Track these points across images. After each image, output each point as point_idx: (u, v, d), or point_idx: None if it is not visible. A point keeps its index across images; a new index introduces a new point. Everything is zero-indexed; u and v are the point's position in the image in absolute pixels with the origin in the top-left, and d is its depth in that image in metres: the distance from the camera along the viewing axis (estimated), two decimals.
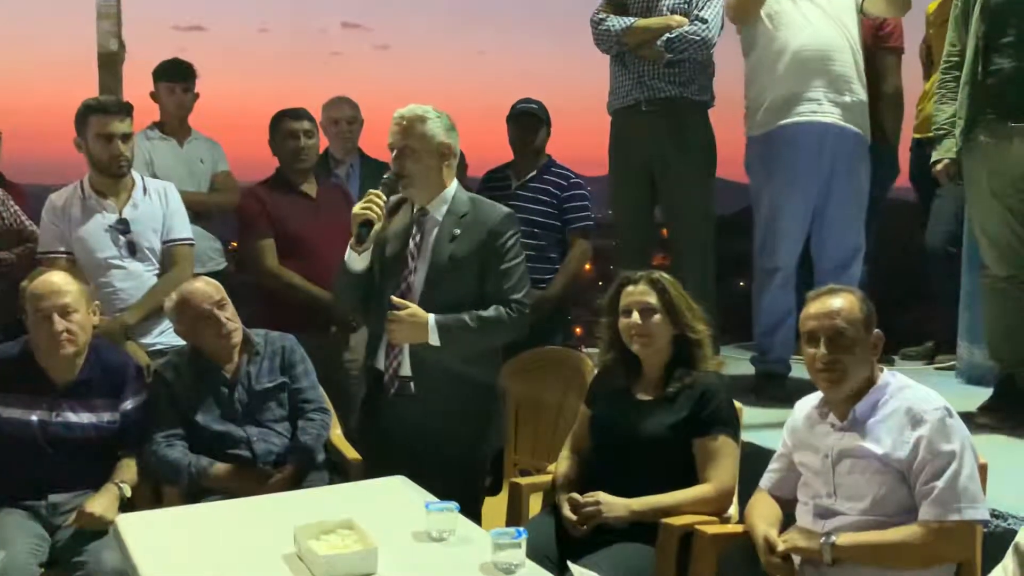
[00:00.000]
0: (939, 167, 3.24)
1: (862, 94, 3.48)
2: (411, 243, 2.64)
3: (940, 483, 1.93)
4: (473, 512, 2.56)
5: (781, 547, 2.05)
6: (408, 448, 2.59)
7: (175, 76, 3.89)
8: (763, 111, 3.49)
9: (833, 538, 1.98)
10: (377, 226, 2.60)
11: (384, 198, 2.59)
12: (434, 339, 2.54)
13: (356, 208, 2.59)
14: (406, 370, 2.61)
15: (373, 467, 2.65)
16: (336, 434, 2.97)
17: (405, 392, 2.61)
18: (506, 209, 2.71)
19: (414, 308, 2.54)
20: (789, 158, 3.45)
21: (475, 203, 2.69)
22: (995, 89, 2.99)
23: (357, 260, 2.62)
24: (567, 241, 3.87)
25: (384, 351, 2.64)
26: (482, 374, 2.68)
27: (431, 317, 2.54)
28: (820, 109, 3.40)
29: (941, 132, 3.22)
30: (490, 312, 2.58)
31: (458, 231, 2.61)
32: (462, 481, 2.59)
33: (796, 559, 2.07)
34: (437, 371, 2.58)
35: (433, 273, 2.60)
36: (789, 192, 3.46)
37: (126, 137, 3.11)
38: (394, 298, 2.56)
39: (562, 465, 2.56)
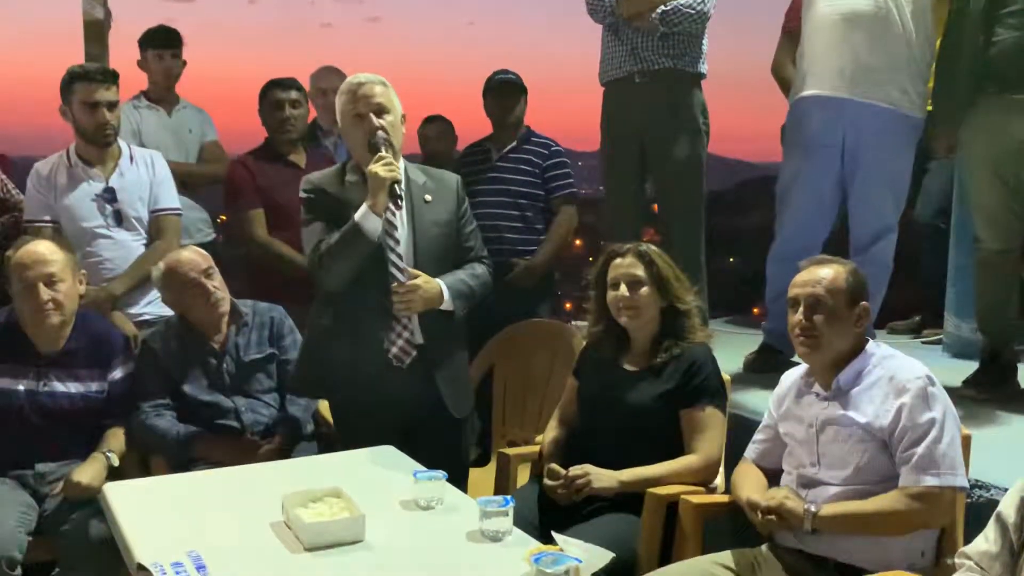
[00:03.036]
0: (939, 138, 3.21)
1: (901, 68, 3.20)
2: (386, 214, 2.58)
3: (919, 449, 1.94)
4: (464, 473, 2.69)
5: (764, 503, 2.07)
6: (403, 418, 2.60)
7: (162, 43, 3.84)
8: (796, 81, 3.43)
9: (814, 508, 2.00)
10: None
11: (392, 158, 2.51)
12: (448, 304, 2.56)
13: (381, 171, 2.44)
14: (419, 338, 2.59)
15: (366, 440, 2.58)
16: (324, 405, 2.97)
17: (417, 361, 2.59)
18: (454, 174, 2.77)
19: (424, 275, 2.53)
20: (803, 132, 3.36)
21: (425, 170, 2.72)
22: (996, 62, 2.96)
23: (378, 225, 2.48)
24: (552, 209, 3.86)
25: (388, 324, 2.58)
26: (464, 332, 2.74)
27: (442, 282, 2.55)
28: (836, 82, 3.23)
29: (941, 103, 3.16)
30: (478, 270, 2.67)
31: (428, 197, 2.62)
32: (456, 443, 2.69)
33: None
34: (444, 336, 2.62)
35: (420, 241, 2.59)
36: (799, 167, 3.38)
37: (112, 105, 3.08)
38: (408, 268, 2.53)
39: (549, 436, 2.57)
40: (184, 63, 3.92)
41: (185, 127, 3.88)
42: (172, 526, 2.01)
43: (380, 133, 2.52)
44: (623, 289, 2.43)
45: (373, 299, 2.55)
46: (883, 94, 3.21)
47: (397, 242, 2.57)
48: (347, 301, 2.60)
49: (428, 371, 2.60)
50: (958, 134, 3.12)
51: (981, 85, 3.00)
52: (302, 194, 2.61)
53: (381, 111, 2.54)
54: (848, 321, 2.09)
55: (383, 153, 2.49)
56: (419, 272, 2.54)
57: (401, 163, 2.62)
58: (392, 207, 2.50)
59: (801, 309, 2.10)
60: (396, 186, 2.48)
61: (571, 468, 2.33)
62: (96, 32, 4.07)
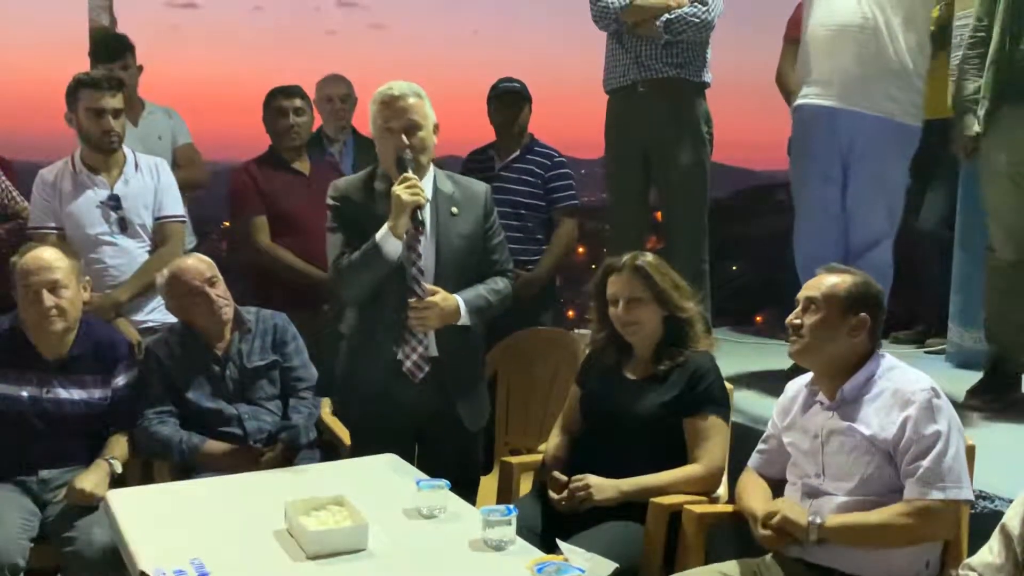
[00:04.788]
0: (959, 143, 3.18)
1: (890, 78, 3.20)
2: (411, 226, 2.59)
3: (925, 463, 1.94)
4: (475, 483, 2.71)
5: (772, 521, 2.06)
6: (416, 430, 2.62)
7: (107, 56, 3.69)
8: (795, 89, 3.45)
9: (819, 519, 2.00)
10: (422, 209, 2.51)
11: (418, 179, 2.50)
12: (465, 320, 2.56)
13: (404, 195, 2.43)
14: (434, 351, 2.60)
15: (379, 450, 2.58)
16: (327, 412, 2.97)
17: (432, 374, 2.60)
18: (484, 183, 2.75)
19: (443, 292, 2.53)
20: (802, 139, 3.39)
21: (455, 180, 2.70)
22: (1020, 69, 2.92)
23: (398, 247, 2.49)
24: (553, 221, 3.86)
25: (403, 338, 2.59)
26: (482, 345, 2.76)
27: (459, 299, 2.55)
28: (827, 92, 3.25)
29: (963, 108, 3.13)
30: (499, 285, 2.66)
31: (455, 209, 2.61)
32: (469, 455, 2.71)
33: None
34: (460, 350, 2.62)
35: (444, 253, 2.59)
36: (804, 174, 3.39)
37: (117, 112, 3.09)
38: (426, 285, 2.53)
39: (552, 443, 2.57)
40: (140, 68, 3.78)
41: (153, 134, 3.75)
42: (175, 533, 2.01)
43: (407, 153, 2.51)
44: (622, 307, 2.43)
45: (390, 312, 2.57)
46: (873, 103, 3.22)
47: (419, 256, 2.57)
48: (364, 312, 2.63)
49: (443, 384, 2.61)
50: (979, 141, 3.10)
51: (1004, 93, 2.97)
52: (329, 201, 2.63)
53: (413, 127, 2.52)
54: (839, 329, 2.09)
55: (409, 175, 2.48)
56: (437, 288, 2.53)
57: (431, 172, 2.62)
58: (414, 231, 2.49)
59: (797, 309, 2.13)
60: (419, 212, 2.47)
61: (572, 479, 2.32)
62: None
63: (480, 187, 2.71)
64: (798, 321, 2.12)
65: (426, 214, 2.57)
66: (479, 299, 2.59)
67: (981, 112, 3.02)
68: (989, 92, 2.99)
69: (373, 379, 2.61)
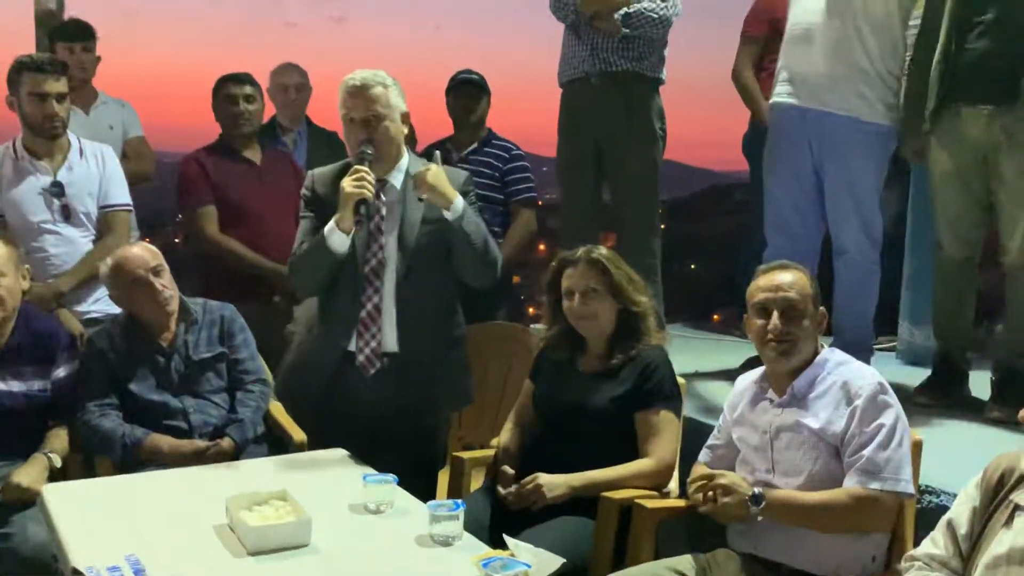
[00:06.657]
0: (908, 146, 3.21)
1: (859, 78, 3.19)
2: (375, 215, 2.57)
3: (866, 453, 1.96)
4: (432, 478, 2.69)
5: (715, 481, 2.07)
6: (372, 425, 2.57)
7: (72, 36, 3.67)
8: (773, 87, 3.46)
9: (760, 490, 2.01)
10: (371, 203, 2.49)
11: (372, 174, 2.48)
12: (458, 207, 2.50)
13: (348, 187, 2.44)
14: (390, 347, 2.57)
15: (332, 445, 2.57)
16: (276, 406, 2.92)
17: (385, 369, 2.57)
18: (464, 172, 2.73)
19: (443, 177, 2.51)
20: (773, 136, 3.42)
21: (429, 167, 2.66)
22: (967, 70, 2.95)
23: (344, 241, 2.49)
24: (511, 214, 3.82)
25: (357, 330, 2.57)
26: (452, 342, 2.70)
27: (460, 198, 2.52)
28: (797, 90, 3.28)
29: (911, 108, 3.15)
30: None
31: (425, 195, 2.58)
32: (428, 454, 2.69)
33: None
34: (422, 343, 2.58)
35: (406, 240, 2.57)
36: (773, 170, 3.42)
37: (61, 97, 3.00)
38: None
39: (504, 438, 2.55)
40: (98, 58, 3.76)
41: (105, 124, 3.70)
42: (111, 529, 1.96)
43: (367, 147, 2.51)
44: (577, 300, 2.41)
45: (345, 304, 2.56)
46: (842, 103, 3.22)
47: (381, 246, 2.56)
48: (320, 304, 2.66)
49: (400, 380, 2.57)
50: (926, 140, 3.13)
51: (949, 94, 3.00)
52: (303, 190, 2.68)
53: (375, 118, 2.52)
54: (815, 325, 2.11)
55: (360, 167, 2.47)
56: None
57: (404, 160, 2.63)
58: (356, 226, 2.47)
59: (776, 315, 2.09)
60: (363, 205, 2.45)
61: (523, 480, 2.30)
62: (48, 23, 3.98)
63: (457, 175, 2.67)
64: (786, 328, 2.07)
65: (396, 204, 2.58)
66: (475, 218, 2.55)
67: (927, 111, 3.05)
68: (935, 91, 3.02)
69: (328, 373, 2.60)
